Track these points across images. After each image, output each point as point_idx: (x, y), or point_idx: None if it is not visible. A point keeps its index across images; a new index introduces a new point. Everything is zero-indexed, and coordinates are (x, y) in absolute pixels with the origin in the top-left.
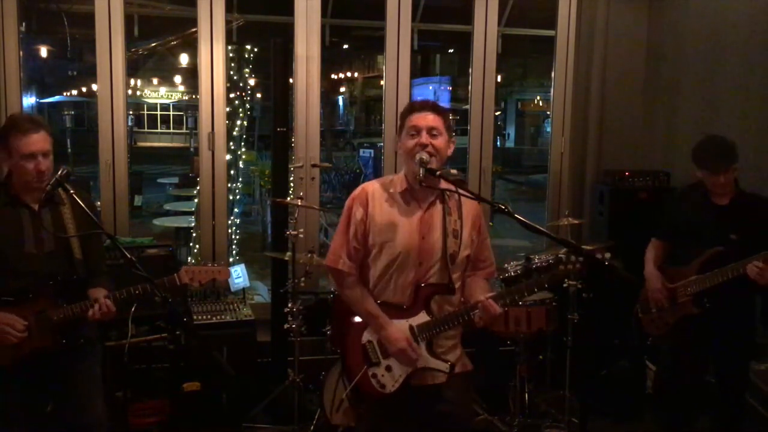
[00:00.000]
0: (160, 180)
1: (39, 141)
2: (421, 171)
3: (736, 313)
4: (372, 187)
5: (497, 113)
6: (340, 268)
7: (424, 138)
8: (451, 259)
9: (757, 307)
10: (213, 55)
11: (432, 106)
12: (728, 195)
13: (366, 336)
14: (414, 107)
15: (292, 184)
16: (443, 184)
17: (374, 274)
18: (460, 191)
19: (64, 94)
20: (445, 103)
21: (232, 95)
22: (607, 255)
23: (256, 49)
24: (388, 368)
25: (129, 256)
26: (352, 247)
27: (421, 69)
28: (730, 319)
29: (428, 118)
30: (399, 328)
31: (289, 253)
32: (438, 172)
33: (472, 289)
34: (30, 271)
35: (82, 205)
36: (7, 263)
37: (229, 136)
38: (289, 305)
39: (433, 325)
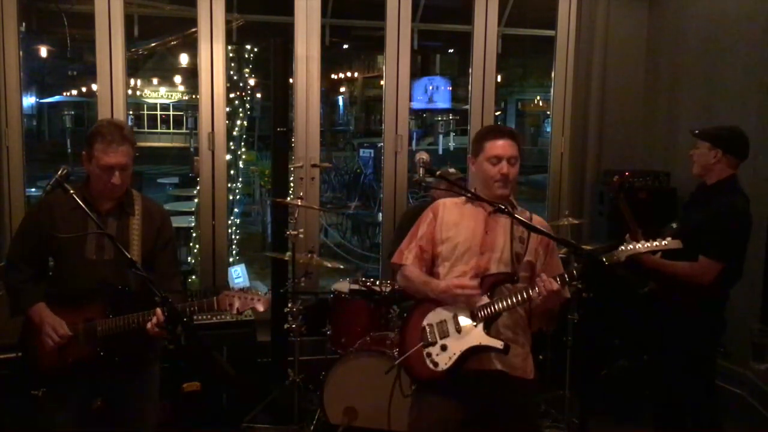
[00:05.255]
0: (160, 180)
1: (119, 155)
2: (421, 171)
3: (682, 325)
4: (444, 199)
5: (497, 113)
6: (403, 262)
7: (506, 168)
8: (516, 258)
9: (708, 323)
10: (213, 55)
11: (512, 135)
12: (704, 176)
13: (427, 320)
14: (496, 133)
15: (292, 184)
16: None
17: (443, 270)
18: (458, 190)
19: (64, 94)
20: (445, 103)
21: (232, 95)
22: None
23: (256, 49)
24: (443, 347)
25: (128, 256)
26: (418, 246)
27: (421, 69)
28: (675, 330)
29: (508, 147)
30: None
31: (289, 253)
32: (438, 173)
33: None
34: (87, 277)
35: (81, 203)
36: (66, 266)
37: (229, 136)
38: (289, 305)
39: (491, 304)
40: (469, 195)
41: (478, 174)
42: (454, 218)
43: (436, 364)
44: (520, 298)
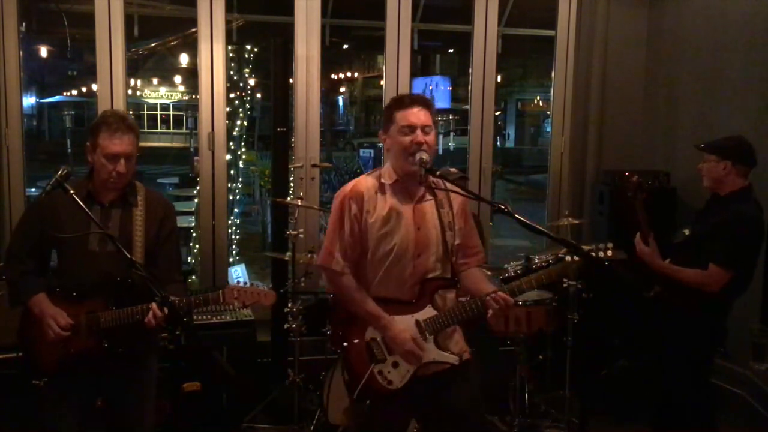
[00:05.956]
0: (160, 180)
1: (124, 143)
2: (422, 171)
3: (684, 327)
4: (365, 183)
5: (497, 113)
6: (333, 267)
7: (420, 137)
8: (452, 252)
9: (709, 326)
10: (213, 55)
11: (423, 101)
12: (716, 188)
13: (369, 333)
14: (404, 102)
15: (292, 184)
16: (433, 182)
17: (374, 271)
18: (461, 192)
19: (64, 94)
20: (445, 103)
21: (232, 95)
22: (609, 245)
23: (256, 49)
24: (395, 364)
25: (129, 256)
26: (347, 245)
27: (421, 69)
28: (677, 332)
29: (421, 116)
30: (403, 327)
31: (289, 253)
32: (438, 172)
33: (473, 279)
34: (90, 269)
35: (81, 203)
36: (69, 258)
37: (229, 136)
38: (289, 305)
39: (441, 319)
40: (472, 197)
41: (392, 150)
42: (382, 212)
43: (390, 382)
44: (470, 313)
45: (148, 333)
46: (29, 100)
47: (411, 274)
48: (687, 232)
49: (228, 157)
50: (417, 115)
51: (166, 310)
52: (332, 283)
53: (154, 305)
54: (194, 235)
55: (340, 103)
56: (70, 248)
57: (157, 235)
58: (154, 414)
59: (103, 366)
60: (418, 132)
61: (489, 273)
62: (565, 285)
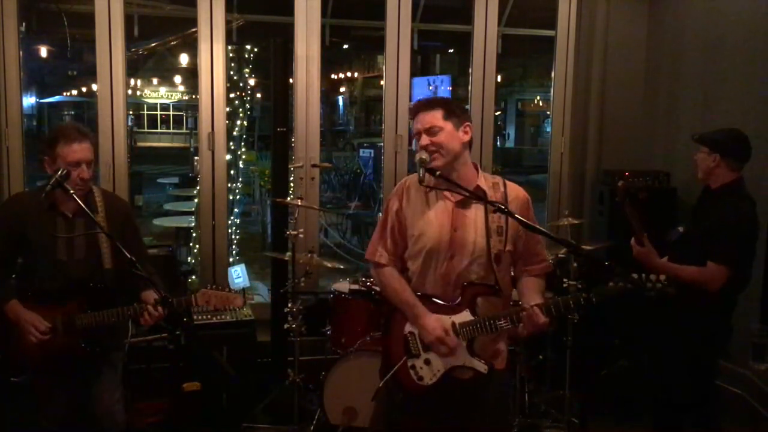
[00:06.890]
0: (160, 180)
1: (84, 150)
2: (421, 171)
3: (687, 327)
4: (411, 179)
5: (497, 113)
6: (377, 260)
7: (425, 140)
8: (496, 260)
9: (713, 326)
10: (213, 55)
11: (425, 105)
12: (707, 180)
13: (408, 327)
14: (411, 112)
15: (292, 184)
16: (444, 183)
17: (412, 267)
18: (459, 191)
19: (64, 94)
20: None
21: (232, 95)
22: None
23: (256, 49)
24: (427, 361)
25: (129, 256)
26: (390, 240)
27: (421, 69)
28: (679, 332)
29: (424, 120)
30: (437, 318)
31: (289, 253)
32: (438, 172)
33: (525, 289)
34: (60, 277)
35: (80, 203)
36: (37, 266)
37: (229, 136)
38: (289, 305)
39: (476, 324)
40: (472, 197)
41: None
42: (420, 208)
43: (421, 378)
44: (504, 324)
45: (119, 332)
46: (29, 100)
47: (444, 275)
48: (681, 229)
49: (228, 157)
50: (421, 120)
51: (165, 309)
52: (375, 275)
53: (149, 306)
54: (194, 235)
55: (340, 103)
56: (38, 257)
57: (122, 238)
58: (124, 410)
59: (80, 364)
60: (423, 136)
61: None
62: (565, 285)
